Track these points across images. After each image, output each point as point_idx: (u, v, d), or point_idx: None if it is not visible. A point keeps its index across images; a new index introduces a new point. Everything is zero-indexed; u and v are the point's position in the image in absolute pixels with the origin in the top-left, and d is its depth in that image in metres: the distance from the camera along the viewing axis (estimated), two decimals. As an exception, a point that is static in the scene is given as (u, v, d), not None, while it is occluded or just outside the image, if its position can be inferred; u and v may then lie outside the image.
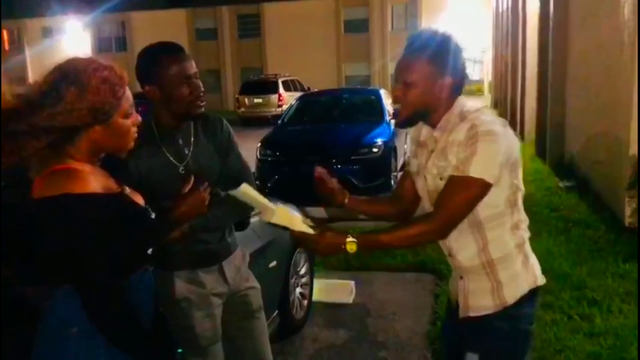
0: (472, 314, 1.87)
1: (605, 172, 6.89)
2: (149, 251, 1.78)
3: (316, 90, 15.09)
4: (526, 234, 1.90)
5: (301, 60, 31.70)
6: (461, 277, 1.91)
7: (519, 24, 14.15)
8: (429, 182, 1.88)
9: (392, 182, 8.28)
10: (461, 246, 1.86)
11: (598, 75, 7.29)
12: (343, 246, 1.74)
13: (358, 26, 32.60)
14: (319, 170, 2.08)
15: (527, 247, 1.91)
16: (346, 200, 2.08)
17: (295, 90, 22.60)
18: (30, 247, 1.60)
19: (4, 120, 1.53)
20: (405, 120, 1.90)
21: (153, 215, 1.82)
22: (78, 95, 1.55)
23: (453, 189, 1.73)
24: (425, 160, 1.90)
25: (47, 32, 36.73)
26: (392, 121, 9.32)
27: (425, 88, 1.80)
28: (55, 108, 1.53)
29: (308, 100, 11.00)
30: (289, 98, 19.71)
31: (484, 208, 1.78)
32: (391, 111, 9.70)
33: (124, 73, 1.66)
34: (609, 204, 6.49)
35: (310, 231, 1.78)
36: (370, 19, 32.34)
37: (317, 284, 4.45)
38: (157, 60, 2.08)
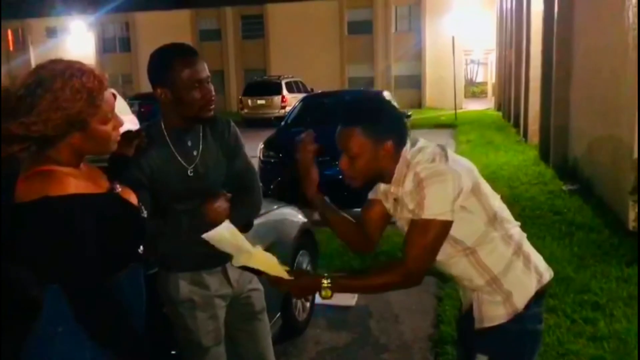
0: (487, 325, 1.89)
1: (609, 175, 6.87)
2: (140, 249, 1.77)
3: (319, 91, 15.08)
4: (519, 236, 1.92)
5: (304, 61, 31.70)
6: (473, 290, 1.93)
7: (523, 26, 14.15)
8: (404, 226, 1.91)
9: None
10: (461, 273, 1.91)
11: (602, 78, 7.28)
12: (317, 292, 1.79)
13: (362, 27, 32.56)
14: (305, 135, 2.10)
15: (526, 247, 1.93)
16: (320, 197, 2.08)
17: (299, 91, 22.61)
18: (15, 249, 1.60)
19: None
20: (360, 189, 1.97)
21: (145, 214, 1.81)
22: (52, 104, 1.52)
23: (413, 235, 1.78)
24: (394, 209, 1.95)
25: (51, 33, 36.82)
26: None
27: (369, 157, 1.85)
28: (29, 118, 1.51)
29: (311, 102, 10.98)
30: (292, 99, 19.73)
31: (468, 236, 1.83)
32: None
33: (104, 77, 1.62)
34: (613, 208, 6.48)
35: (286, 275, 1.80)
36: (374, 21, 32.29)
37: (320, 286, 4.43)
38: (170, 62, 2.07)
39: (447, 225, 1.76)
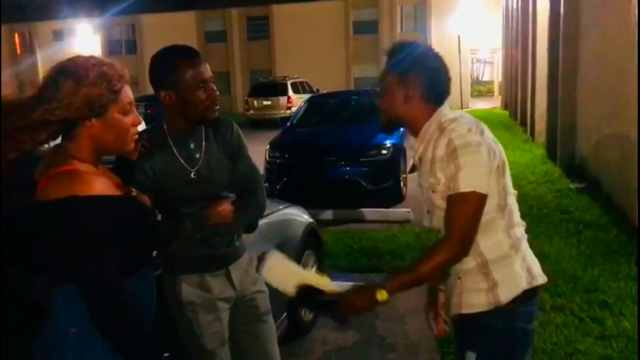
0: (464, 311, 1.88)
1: (616, 173, 6.83)
2: (154, 253, 1.78)
3: (325, 92, 15.08)
4: (521, 234, 1.91)
5: (310, 62, 31.71)
6: (459, 278, 1.91)
7: (529, 24, 14.09)
8: (424, 192, 1.93)
9: (401, 184, 8.26)
10: None
11: (609, 76, 7.24)
12: (375, 298, 1.74)
13: (367, 27, 32.54)
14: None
15: (524, 247, 1.91)
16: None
17: (304, 92, 22.60)
18: (35, 248, 1.61)
19: (3, 116, 1.55)
20: (384, 126, 2.02)
21: (159, 217, 1.83)
22: (74, 88, 1.57)
23: (454, 209, 1.76)
24: (417, 168, 1.95)
25: (58, 35, 37.01)
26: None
27: (391, 97, 1.88)
28: (52, 103, 1.56)
29: (316, 102, 10.98)
30: (298, 100, 19.72)
31: None
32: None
33: (126, 72, 1.68)
34: (621, 206, 6.44)
35: (340, 289, 1.79)
36: (380, 21, 32.27)
37: (326, 286, 4.43)
38: (173, 64, 2.06)
39: (483, 197, 1.74)
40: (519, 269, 1.85)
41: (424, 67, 1.86)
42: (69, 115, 1.57)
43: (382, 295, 1.72)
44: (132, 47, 36.96)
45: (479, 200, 1.74)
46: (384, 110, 1.93)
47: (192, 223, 2.10)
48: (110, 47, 37.50)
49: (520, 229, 1.91)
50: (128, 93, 1.68)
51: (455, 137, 1.74)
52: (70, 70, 1.59)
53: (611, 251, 5.19)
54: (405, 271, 1.83)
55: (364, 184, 7.67)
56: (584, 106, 9.02)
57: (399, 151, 8.35)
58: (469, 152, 1.72)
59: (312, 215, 4.17)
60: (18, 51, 38.42)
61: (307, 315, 3.98)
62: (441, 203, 1.82)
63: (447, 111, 1.87)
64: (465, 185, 1.72)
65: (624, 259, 4.91)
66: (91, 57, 1.65)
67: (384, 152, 8.09)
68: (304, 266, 3.97)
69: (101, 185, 1.59)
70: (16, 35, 38.32)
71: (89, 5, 19.65)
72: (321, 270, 4.30)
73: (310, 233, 4.10)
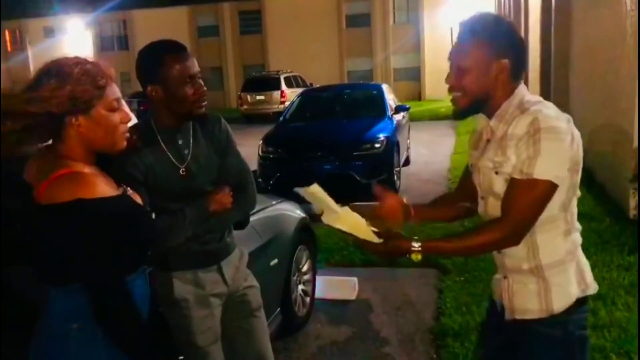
0: (517, 317, 1.77)
1: (609, 164, 6.85)
2: (149, 252, 1.79)
3: (318, 86, 15.05)
4: (578, 239, 1.79)
5: (303, 56, 31.65)
6: (505, 277, 1.81)
7: (521, 15, 14.09)
8: (483, 175, 1.78)
9: (395, 177, 8.26)
10: (510, 249, 1.74)
11: (601, 66, 7.24)
12: (407, 255, 1.69)
13: (360, 20, 32.49)
14: (378, 189, 1.97)
15: (580, 253, 1.80)
16: (412, 213, 1.96)
17: (298, 86, 22.57)
18: (39, 250, 1.62)
19: None
20: (464, 110, 1.77)
21: (153, 216, 1.84)
22: (58, 84, 1.58)
23: (519, 192, 1.62)
24: (482, 151, 1.79)
25: (49, 32, 36.80)
26: (395, 116, 9.29)
27: (481, 71, 1.69)
28: (33, 93, 1.57)
29: (310, 97, 10.96)
30: (292, 94, 19.69)
31: None
32: (393, 106, 9.66)
33: (112, 70, 1.69)
34: (614, 196, 6.46)
35: (374, 238, 1.72)
36: (372, 13, 32.21)
37: (320, 280, 4.43)
38: (160, 59, 2.04)
39: (555, 188, 1.61)
40: (572, 277, 1.75)
41: (513, 39, 1.72)
42: (53, 109, 1.57)
43: (415, 256, 1.67)
44: (123, 43, 36.77)
45: (551, 190, 1.61)
46: (468, 91, 1.72)
47: (191, 211, 2.10)
48: (102, 43, 37.30)
49: (577, 235, 1.79)
50: (114, 90, 1.68)
51: (541, 118, 1.60)
52: (54, 70, 1.60)
53: (604, 241, 5.20)
54: (446, 239, 1.72)
55: (357, 178, 7.66)
56: (576, 97, 9.03)
57: (392, 145, 8.34)
58: (553, 138, 1.58)
59: (305, 210, 4.15)
60: (9, 48, 38.17)
61: (301, 310, 3.98)
62: (501, 189, 1.69)
63: (526, 91, 1.74)
64: (542, 172, 1.58)
65: (617, 249, 4.93)
66: (76, 57, 1.65)
67: (378, 145, 8.08)
68: (298, 264, 3.99)
69: (103, 186, 1.61)
70: (7, 33, 38.06)
71: (80, 1, 19.57)
72: (314, 265, 4.33)
73: (303, 228, 4.09)
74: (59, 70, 1.60)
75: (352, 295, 4.47)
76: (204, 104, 2.12)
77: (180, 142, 2.16)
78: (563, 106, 10.00)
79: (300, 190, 1.81)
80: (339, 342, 3.83)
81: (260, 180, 7.84)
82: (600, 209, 6.22)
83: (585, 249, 5.12)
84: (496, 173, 1.70)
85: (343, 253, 5.35)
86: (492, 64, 1.69)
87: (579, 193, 1.76)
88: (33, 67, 35.58)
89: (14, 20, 34.87)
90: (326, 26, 32.58)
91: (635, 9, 5.64)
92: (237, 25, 34.90)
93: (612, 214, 5.97)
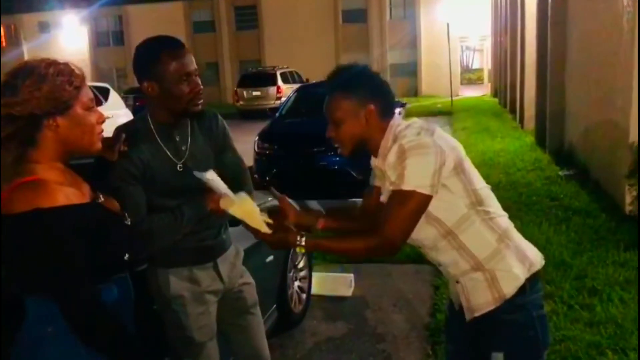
0: (477, 314, 1.87)
1: (605, 160, 6.86)
2: (126, 257, 1.76)
3: (315, 81, 15.01)
4: (506, 224, 1.89)
5: (299, 51, 31.57)
6: (457, 282, 1.92)
7: (518, 11, 14.08)
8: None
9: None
10: (446, 259, 1.89)
11: (597, 62, 7.25)
12: (293, 248, 1.84)
13: (356, 16, 32.42)
14: (283, 200, 2.09)
15: (513, 235, 1.90)
16: (319, 226, 2.08)
17: (294, 82, 22.48)
18: (5, 260, 1.57)
19: None
20: (349, 155, 1.97)
21: (128, 222, 1.81)
22: (34, 85, 1.56)
23: (392, 205, 1.76)
24: (381, 183, 1.95)
25: (44, 27, 36.61)
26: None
27: (352, 121, 1.87)
28: (12, 98, 1.55)
29: (306, 92, 10.92)
30: (288, 90, 19.61)
31: (448, 217, 1.82)
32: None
33: (82, 70, 1.69)
34: (609, 192, 6.47)
35: (264, 228, 1.85)
36: (369, 9, 32.14)
37: (316, 277, 4.43)
38: (157, 56, 2.02)
39: (425, 200, 1.75)
40: (513, 260, 1.84)
41: (374, 84, 1.91)
42: (31, 110, 1.55)
43: (300, 249, 1.83)
44: (119, 38, 36.60)
45: (420, 200, 1.74)
46: (346, 140, 1.91)
47: (189, 210, 2.08)
48: (98, 38, 37.13)
49: (503, 219, 1.90)
50: (87, 90, 1.68)
51: (405, 142, 1.76)
52: (27, 71, 1.58)
53: (600, 237, 5.21)
54: (330, 239, 1.87)
55: (354, 174, 7.65)
56: (572, 93, 9.03)
57: (388, 140, 8.32)
58: (416, 154, 1.74)
59: (301, 207, 4.13)
60: (3, 43, 37.96)
61: (297, 306, 3.98)
62: None
63: (399, 121, 1.89)
64: (408, 183, 1.73)
65: (612, 245, 4.94)
66: (45, 58, 1.64)
67: (374, 141, 8.06)
68: (294, 261, 3.98)
69: (65, 194, 1.56)
70: (2, 28, 37.85)
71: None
72: (310, 262, 4.31)
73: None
74: (32, 72, 1.58)
75: (348, 292, 4.48)
76: (200, 102, 2.10)
77: (177, 138, 2.15)
78: (559, 103, 10.01)
79: (199, 174, 1.93)
80: (335, 338, 3.83)
81: (256, 176, 7.83)
82: (596, 205, 6.23)
83: (581, 244, 5.12)
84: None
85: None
86: (359, 111, 1.87)
87: (484, 184, 1.88)
88: (28, 62, 35.50)
89: (9, 15, 34.68)
90: (322, 22, 32.50)
91: (632, 5, 5.64)
92: (233, 21, 34.78)
93: (608, 210, 5.99)
